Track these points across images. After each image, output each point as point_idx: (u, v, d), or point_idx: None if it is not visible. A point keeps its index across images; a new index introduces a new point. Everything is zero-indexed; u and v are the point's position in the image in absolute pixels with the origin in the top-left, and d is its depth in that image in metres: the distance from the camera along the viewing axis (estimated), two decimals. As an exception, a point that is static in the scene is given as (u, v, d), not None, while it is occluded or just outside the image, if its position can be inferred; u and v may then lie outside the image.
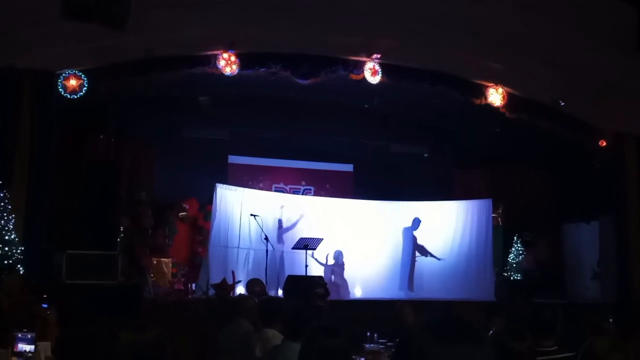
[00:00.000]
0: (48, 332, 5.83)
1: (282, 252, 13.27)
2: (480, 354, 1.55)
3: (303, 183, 15.53)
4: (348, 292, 13.42)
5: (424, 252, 14.05)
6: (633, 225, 12.73)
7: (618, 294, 12.38)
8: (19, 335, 4.62)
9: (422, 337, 1.58)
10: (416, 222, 14.10)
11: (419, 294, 13.40)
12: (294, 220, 13.74)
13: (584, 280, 14.14)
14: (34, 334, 4.71)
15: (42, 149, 9.82)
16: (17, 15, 8.72)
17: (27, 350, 4.57)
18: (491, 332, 6.01)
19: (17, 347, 4.56)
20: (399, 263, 14.27)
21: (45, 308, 6.44)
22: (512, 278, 13.65)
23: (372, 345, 7.02)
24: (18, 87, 9.72)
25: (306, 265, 11.89)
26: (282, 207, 13.77)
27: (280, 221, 13.60)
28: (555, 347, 4.75)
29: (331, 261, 13.43)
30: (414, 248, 14.02)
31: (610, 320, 5.45)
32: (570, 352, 4.52)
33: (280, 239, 13.44)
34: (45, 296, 7.30)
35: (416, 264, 14.04)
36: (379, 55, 10.99)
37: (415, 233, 14.03)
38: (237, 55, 10.41)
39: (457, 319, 1.63)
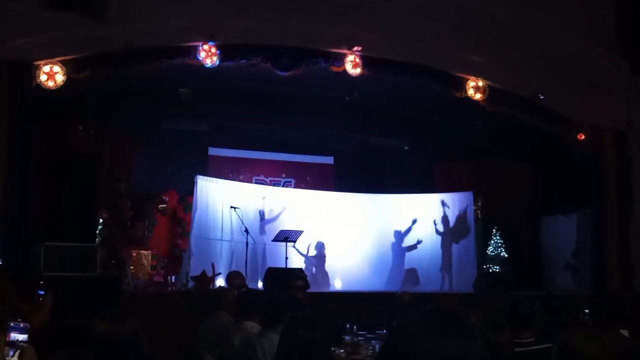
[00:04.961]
0: (40, 317, 5.87)
1: (265, 244, 13.27)
2: (472, 347, 1.55)
3: (283, 175, 15.51)
4: (328, 284, 13.46)
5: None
6: (610, 219, 12.86)
7: (593, 286, 12.52)
8: (12, 324, 4.58)
9: (413, 329, 1.58)
10: (408, 229, 14.32)
11: (400, 286, 13.44)
12: (275, 212, 13.75)
13: (561, 272, 14.30)
14: (27, 324, 4.67)
15: (20, 140, 9.72)
16: (-5, 5, 8.62)
17: (20, 339, 4.54)
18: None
19: (9, 336, 4.52)
20: (379, 256, 14.38)
21: (41, 295, 6.55)
22: (490, 270, 13.75)
23: (352, 337, 7.05)
24: (-5, 78, 9.62)
25: (286, 258, 11.91)
26: (263, 198, 13.78)
27: (262, 212, 13.60)
28: (533, 339, 4.79)
29: (312, 252, 13.46)
30: (404, 250, 14.29)
31: (586, 311, 5.50)
32: (547, 344, 4.56)
33: (262, 231, 13.46)
34: (42, 282, 7.45)
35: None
36: (360, 48, 10.99)
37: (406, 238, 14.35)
38: (218, 47, 10.36)
39: (449, 311, 1.63)
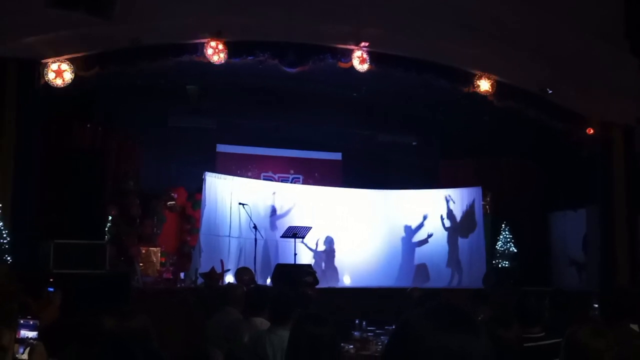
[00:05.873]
0: (49, 314, 5.90)
1: (276, 240, 13.28)
2: (478, 343, 1.54)
3: (292, 172, 15.52)
4: (337, 280, 13.47)
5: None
6: (618, 214, 12.82)
7: (601, 282, 12.49)
8: (22, 322, 4.59)
9: (421, 324, 1.58)
10: (420, 224, 14.34)
11: (410, 282, 13.45)
12: (285, 208, 13.76)
13: (569, 268, 14.26)
14: (37, 321, 4.69)
15: (27, 138, 9.75)
16: (2, 3, 8.65)
17: (30, 337, 4.55)
18: (479, 319, 6.04)
19: (19, 333, 4.53)
20: (388, 251, 14.38)
21: (50, 292, 6.59)
22: (500, 266, 13.73)
23: (361, 333, 7.06)
24: (3, 76, 9.63)
25: (295, 254, 11.91)
26: (273, 194, 13.80)
27: (273, 208, 13.61)
28: (543, 334, 4.79)
29: (322, 247, 13.48)
30: (414, 245, 14.31)
31: (595, 306, 5.49)
32: (557, 339, 4.56)
33: (273, 227, 13.47)
34: (51, 279, 7.50)
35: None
36: (367, 44, 10.96)
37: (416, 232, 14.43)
38: (225, 44, 10.36)
39: (455, 307, 1.62)
